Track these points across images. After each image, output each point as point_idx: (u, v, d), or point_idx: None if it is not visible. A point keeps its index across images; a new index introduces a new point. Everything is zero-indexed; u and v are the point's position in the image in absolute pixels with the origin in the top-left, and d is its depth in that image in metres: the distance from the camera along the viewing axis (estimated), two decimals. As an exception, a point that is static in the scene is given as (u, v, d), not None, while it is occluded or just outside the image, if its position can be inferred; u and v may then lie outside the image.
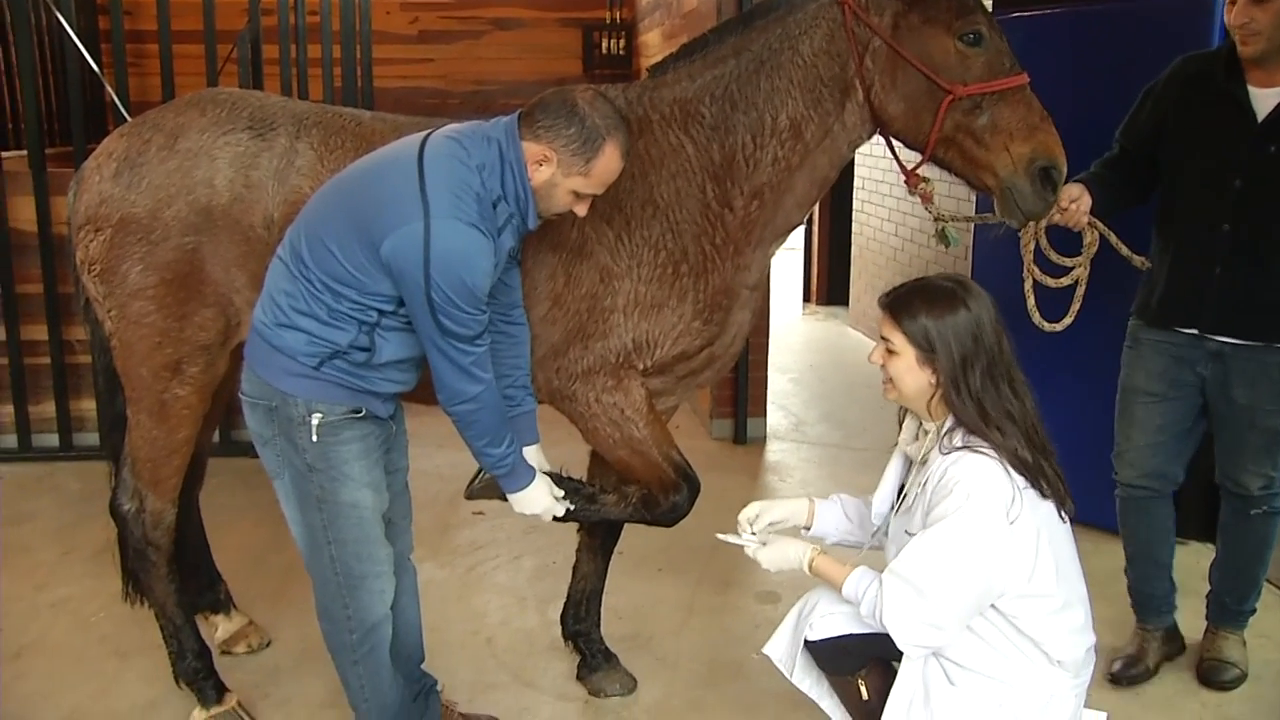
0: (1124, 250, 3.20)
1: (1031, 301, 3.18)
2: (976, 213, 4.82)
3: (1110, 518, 4.48)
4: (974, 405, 2.44)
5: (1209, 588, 3.61)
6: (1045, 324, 3.21)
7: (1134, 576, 3.63)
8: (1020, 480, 2.42)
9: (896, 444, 2.76)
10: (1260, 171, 3.14)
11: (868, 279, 8.73)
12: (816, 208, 6.75)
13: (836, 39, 2.81)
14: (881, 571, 2.48)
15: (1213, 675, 3.49)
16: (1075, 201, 3.14)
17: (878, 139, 2.98)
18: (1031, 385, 2.56)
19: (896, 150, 2.97)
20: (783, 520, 2.82)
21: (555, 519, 2.89)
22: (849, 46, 2.80)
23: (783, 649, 2.81)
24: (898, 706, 2.57)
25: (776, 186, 2.91)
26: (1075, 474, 4.50)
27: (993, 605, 2.46)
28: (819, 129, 2.87)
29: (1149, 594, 3.59)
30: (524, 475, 2.76)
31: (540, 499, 2.81)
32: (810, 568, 2.62)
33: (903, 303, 2.52)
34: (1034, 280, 3.19)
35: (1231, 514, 3.48)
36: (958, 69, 2.72)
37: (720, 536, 2.80)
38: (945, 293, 2.49)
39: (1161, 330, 3.37)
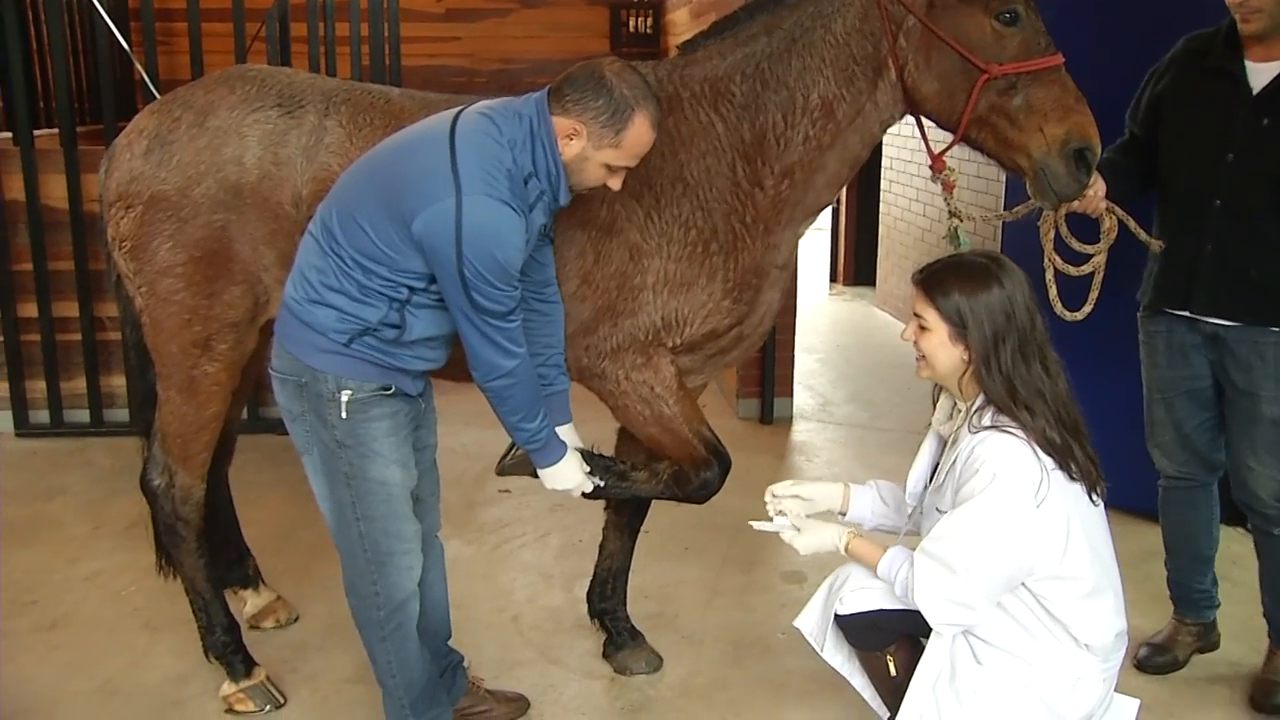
0: (1142, 235, 3.16)
1: (1053, 291, 3.15)
2: (1005, 204, 4.78)
3: (1138, 500, 4.46)
4: (1003, 383, 2.44)
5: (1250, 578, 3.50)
6: (1066, 313, 3.17)
7: (1173, 569, 3.55)
8: (1049, 461, 2.40)
9: (930, 424, 2.75)
10: (1253, 145, 3.08)
11: (895, 259, 8.68)
12: (844, 188, 6.72)
13: (870, 17, 2.78)
14: (915, 550, 2.48)
15: (1266, 697, 3.31)
16: (1091, 187, 3.06)
17: (908, 119, 2.96)
18: (1065, 366, 2.54)
19: (926, 134, 2.94)
20: (814, 499, 2.82)
21: (586, 495, 2.90)
22: (882, 25, 2.77)
23: (813, 623, 2.82)
24: (923, 683, 2.57)
25: (807, 165, 2.89)
26: (1108, 457, 4.48)
27: (1024, 585, 2.45)
28: (851, 108, 2.84)
29: (1189, 587, 3.52)
30: (556, 450, 2.77)
31: (571, 474, 2.82)
32: (846, 549, 2.64)
33: (936, 279, 2.52)
34: (1055, 269, 3.15)
35: (1256, 533, 3.36)
36: (993, 48, 2.69)
37: (754, 524, 2.81)
38: (979, 269, 2.49)
39: (1159, 318, 3.33)
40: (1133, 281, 3.42)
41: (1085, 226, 3.18)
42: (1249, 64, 3.11)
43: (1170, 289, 3.27)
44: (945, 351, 2.51)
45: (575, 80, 2.49)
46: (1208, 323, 3.21)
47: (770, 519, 2.78)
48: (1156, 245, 3.21)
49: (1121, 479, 4.40)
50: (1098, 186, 3.09)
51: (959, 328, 2.47)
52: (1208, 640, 3.55)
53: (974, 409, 2.51)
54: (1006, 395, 2.44)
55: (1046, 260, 3.15)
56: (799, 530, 2.71)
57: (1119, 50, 4.19)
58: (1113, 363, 4.35)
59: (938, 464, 2.68)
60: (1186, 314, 3.24)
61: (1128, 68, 3.94)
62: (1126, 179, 3.26)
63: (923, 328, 2.54)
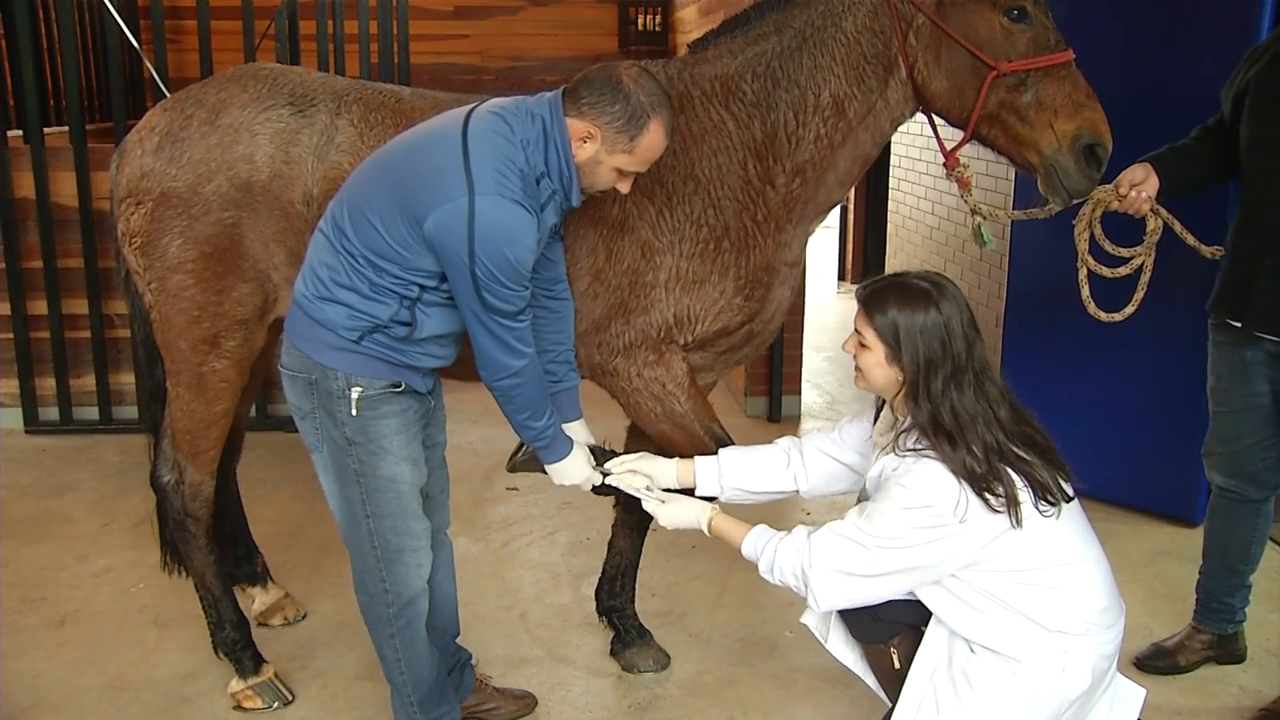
0: (1190, 239, 3.04)
1: (1086, 292, 3.06)
2: (1014, 200, 4.76)
3: (1147, 499, 4.47)
4: (930, 412, 2.42)
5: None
6: (1102, 314, 3.07)
7: (1204, 573, 3.45)
8: (968, 488, 2.38)
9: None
10: None
11: (904, 258, 8.66)
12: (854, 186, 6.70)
13: (880, 15, 2.78)
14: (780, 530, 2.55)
15: None
16: (1138, 186, 2.99)
17: (918, 116, 2.95)
18: (1009, 388, 2.52)
19: (938, 130, 2.94)
20: (652, 474, 2.84)
21: (596, 492, 2.90)
22: (892, 23, 2.77)
23: (818, 617, 2.82)
24: (921, 673, 2.58)
25: (819, 164, 2.89)
26: (1117, 456, 4.47)
27: (971, 580, 2.45)
28: (862, 106, 2.84)
29: (1212, 594, 3.42)
30: (562, 446, 2.77)
31: (578, 469, 2.82)
32: (709, 528, 2.68)
33: (877, 298, 2.50)
34: (1089, 270, 3.05)
35: None
36: (1002, 45, 2.68)
37: (613, 481, 2.83)
38: (919, 293, 2.47)
39: (1224, 329, 3.18)
40: (1176, 282, 3.32)
41: (1129, 223, 3.09)
42: None
43: (1228, 298, 3.14)
44: (881, 370, 2.51)
45: (592, 84, 2.49)
46: (1269, 340, 3.06)
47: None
48: (1208, 251, 3.07)
49: (1135, 479, 4.42)
50: (1146, 185, 3.00)
51: (895, 349, 2.46)
52: (1225, 652, 3.46)
53: (903, 429, 2.50)
54: (930, 424, 2.42)
55: (1080, 261, 3.05)
56: (663, 503, 2.76)
57: (1134, 46, 4.19)
58: (1135, 365, 4.34)
59: None
60: (1239, 324, 3.10)
61: (1143, 63, 3.93)
62: (1194, 168, 3.14)
63: (862, 345, 2.53)
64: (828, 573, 2.44)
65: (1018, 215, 3.20)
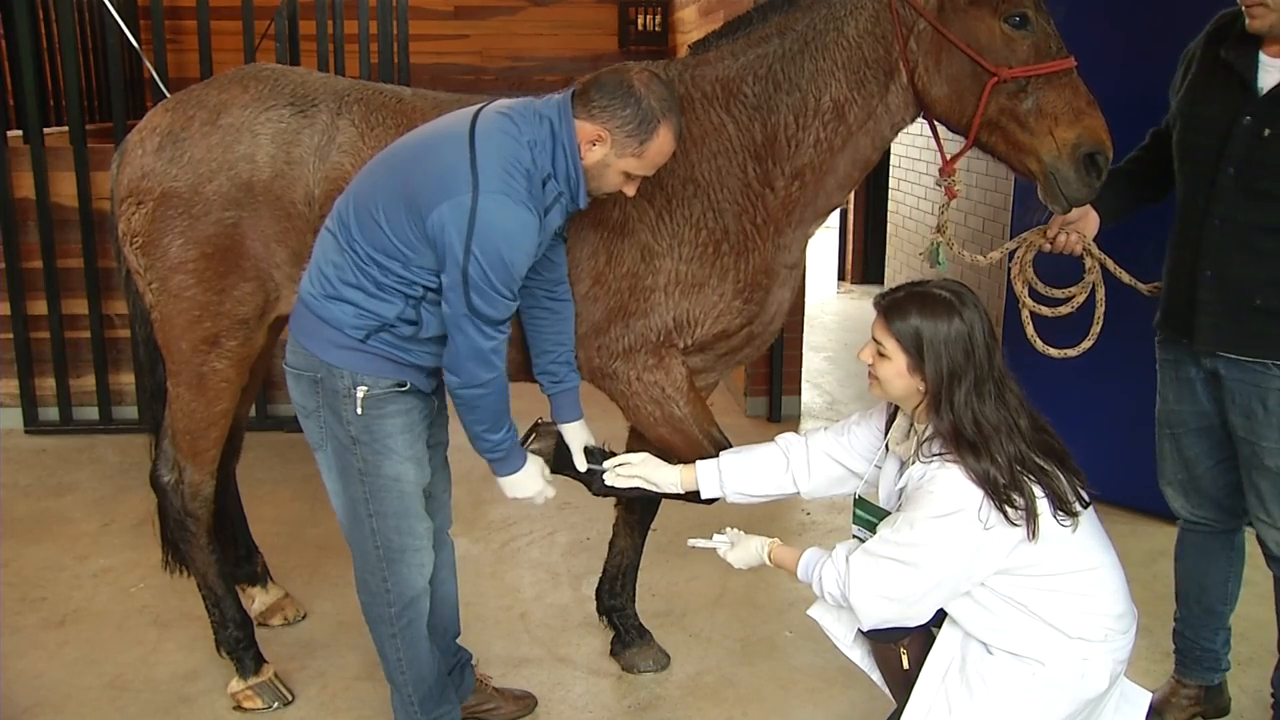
0: (1125, 278, 2.98)
1: (1030, 330, 3.04)
2: (1014, 199, 4.75)
3: (1144, 499, 4.46)
4: (952, 423, 2.40)
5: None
6: (1052, 350, 3.03)
7: (1181, 620, 3.22)
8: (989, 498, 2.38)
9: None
10: (1254, 156, 2.69)
11: (903, 258, 8.68)
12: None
13: (881, 20, 2.77)
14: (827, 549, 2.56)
15: None
16: (1070, 225, 2.92)
17: (919, 120, 2.95)
18: (1026, 396, 2.50)
19: (940, 136, 2.93)
20: (647, 477, 2.87)
21: (600, 493, 2.90)
22: (893, 28, 2.76)
23: (827, 611, 2.81)
24: (933, 675, 2.57)
25: (818, 167, 2.89)
26: (1117, 456, 4.46)
27: (993, 585, 2.45)
28: (862, 111, 2.83)
29: (1193, 641, 3.19)
30: (517, 459, 2.74)
31: (531, 483, 2.79)
32: (770, 559, 2.70)
33: (898, 308, 2.47)
34: (1029, 311, 3.04)
35: (1277, 584, 2.97)
36: (1003, 51, 2.67)
37: (691, 543, 2.86)
38: (941, 302, 2.44)
39: (1168, 346, 3.01)
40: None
41: (1072, 263, 3.06)
42: (1263, 58, 2.72)
43: (1172, 317, 2.96)
44: (902, 380, 2.48)
45: (603, 87, 2.49)
46: (1208, 357, 2.87)
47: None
48: (1146, 289, 3.00)
49: (1135, 479, 4.41)
50: (1082, 225, 2.94)
51: (917, 359, 2.44)
52: (1212, 704, 3.24)
53: (924, 437, 2.49)
54: (952, 434, 2.41)
55: (1020, 303, 3.03)
56: (733, 545, 2.78)
57: (1134, 49, 4.18)
58: (1134, 364, 4.33)
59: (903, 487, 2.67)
60: (1186, 342, 2.92)
61: (1144, 67, 3.91)
62: (1136, 189, 3.06)
63: (881, 354, 2.51)
64: (867, 596, 2.44)
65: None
